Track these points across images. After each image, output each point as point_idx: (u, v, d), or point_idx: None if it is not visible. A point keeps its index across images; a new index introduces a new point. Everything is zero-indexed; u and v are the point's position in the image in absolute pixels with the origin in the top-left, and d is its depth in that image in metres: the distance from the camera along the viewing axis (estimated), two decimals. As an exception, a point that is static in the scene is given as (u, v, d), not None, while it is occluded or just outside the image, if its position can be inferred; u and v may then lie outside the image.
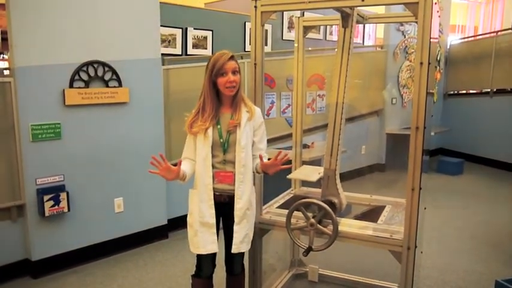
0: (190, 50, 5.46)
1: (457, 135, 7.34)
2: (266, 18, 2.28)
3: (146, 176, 3.69)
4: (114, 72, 3.41)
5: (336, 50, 2.52)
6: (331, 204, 2.34)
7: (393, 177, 5.67)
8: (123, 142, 3.54)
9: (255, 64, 2.30)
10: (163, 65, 3.84)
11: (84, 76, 3.26)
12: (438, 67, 7.29)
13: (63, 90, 3.15)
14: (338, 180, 2.52)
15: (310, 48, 5.54)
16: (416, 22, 1.94)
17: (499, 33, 7.28)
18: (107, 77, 3.38)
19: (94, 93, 3.31)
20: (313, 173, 2.62)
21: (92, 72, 3.30)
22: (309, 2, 2.14)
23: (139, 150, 3.63)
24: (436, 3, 2.10)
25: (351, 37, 2.46)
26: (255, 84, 2.31)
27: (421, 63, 1.93)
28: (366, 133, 6.19)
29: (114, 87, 3.43)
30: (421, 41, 1.94)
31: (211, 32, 5.58)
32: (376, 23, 3.02)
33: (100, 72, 3.35)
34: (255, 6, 2.26)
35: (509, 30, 7.35)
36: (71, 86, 3.19)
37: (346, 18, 2.41)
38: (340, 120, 2.52)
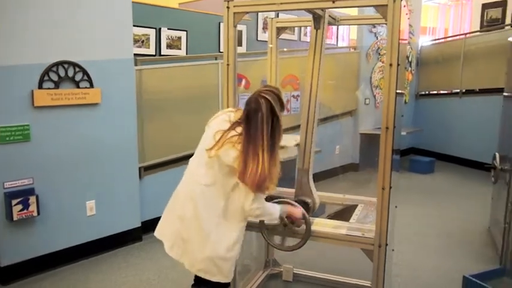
0: (164, 51, 5.42)
1: (428, 134, 7.50)
2: (239, 19, 2.28)
3: (119, 177, 3.69)
4: (85, 72, 3.35)
5: (308, 51, 2.54)
6: (305, 204, 2.37)
7: (367, 177, 5.76)
8: (95, 144, 3.48)
9: (227, 65, 2.30)
10: (136, 65, 3.80)
11: (54, 77, 3.19)
12: (410, 68, 7.45)
13: (32, 91, 3.07)
14: (311, 180, 2.55)
15: (285, 49, 5.57)
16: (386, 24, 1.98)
17: (468, 35, 7.49)
18: (78, 77, 3.32)
19: (64, 94, 3.24)
20: (290, 140, 2.64)
21: (62, 72, 3.23)
22: (281, 4, 2.15)
23: (111, 151, 3.57)
24: (405, 6, 2.15)
25: (322, 38, 2.49)
26: (227, 85, 2.31)
27: (391, 65, 1.96)
28: (340, 133, 6.27)
29: (85, 88, 3.36)
30: (390, 42, 1.98)
31: (185, 32, 5.55)
32: (348, 24, 3.05)
33: (71, 73, 3.28)
34: (228, 7, 2.26)
35: (477, 33, 7.57)
36: (40, 87, 3.12)
37: (318, 19, 2.44)
38: (313, 121, 2.55)
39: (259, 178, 1.81)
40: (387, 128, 1.99)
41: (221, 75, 3.61)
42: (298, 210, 2.16)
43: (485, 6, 8.44)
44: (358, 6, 3.55)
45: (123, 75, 3.62)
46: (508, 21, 7.83)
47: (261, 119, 1.83)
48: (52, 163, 3.24)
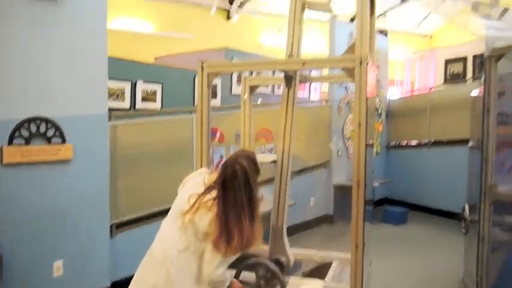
0: (140, 104, 5.45)
1: (401, 185, 7.63)
2: (212, 79, 2.34)
3: (89, 236, 3.57)
4: (57, 128, 3.32)
5: (281, 108, 2.61)
6: (279, 263, 2.33)
7: (341, 229, 5.75)
8: (65, 201, 3.39)
9: (201, 123, 2.33)
10: (110, 120, 3.79)
11: (25, 133, 3.15)
12: (380, 119, 7.69)
13: (1, 148, 3.02)
14: (285, 237, 2.54)
15: (259, 102, 5.69)
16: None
17: (432, 89, 7.85)
18: (50, 133, 3.29)
19: (35, 150, 3.20)
20: (267, 157, 2.71)
21: (33, 128, 3.20)
22: (253, 65, 2.23)
23: (82, 209, 3.48)
24: (371, 66, 2.25)
25: (294, 97, 2.57)
26: (201, 143, 2.33)
27: (359, 124, 2.03)
28: (314, 185, 6.31)
29: (57, 144, 3.32)
30: (358, 102, 2.06)
31: (161, 85, 5.63)
32: (318, 81, 3.19)
33: (42, 129, 3.25)
34: (202, 68, 2.32)
35: (441, 87, 7.96)
36: (10, 143, 3.07)
37: (289, 79, 2.52)
38: (286, 177, 2.57)
39: (246, 243, 1.82)
40: (358, 185, 2.02)
41: (196, 129, 3.65)
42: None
43: (447, 62, 8.95)
44: (326, 67, 3.70)
45: (96, 130, 3.61)
46: (468, 75, 8.27)
47: (238, 187, 1.85)
48: (19, 221, 3.13)
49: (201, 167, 2.39)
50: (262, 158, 2.69)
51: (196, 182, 2.00)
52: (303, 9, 2.36)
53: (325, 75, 3.56)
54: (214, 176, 1.97)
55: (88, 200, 3.53)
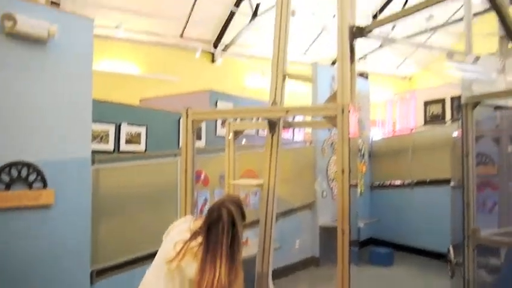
0: (124, 146, 5.42)
1: (386, 225, 7.63)
2: (197, 125, 2.37)
3: (68, 283, 3.45)
4: (39, 173, 3.28)
5: (265, 153, 2.64)
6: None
7: (328, 272, 5.68)
8: (45, 247, 3.30)
9: (185, 169, 2.34)
10: (93, 163, 3.76)
11: (5, 178, 3.10)
12: (363, 160, 7.77)
13: (-20, 194, 2.96)
14: (271, 283, 2.50)
15: (243, 142, 5.72)
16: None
17: (413, 130, 8.03)
18: (31, 178, 3.24)
19: (15, 196, 3.13)
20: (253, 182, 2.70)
21: (14, 173, 3.15)
22: (237, 112, 2.27)
23: (61, 255, 3.38)
24: (353, 111, 2.31)
25: (278, 142, 2.61)
26: (185, 190, 2.33)
27: (343, 171, 2.06)
28: (299, 227, 6.27)
29: (39, 188, 3.27)
30: (341, 150, 2.09)
31: (145, 127, 5.63)
32: (301, 127, 3.26)
33: (24, 173, 3.20)
34: (187, 115, 2.35)
35: (422, 128, 8.15)
36: (-11, 189, 3.01)
37: (273, 125, 2.57)
38: (271, 220, 2.57)
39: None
40: (343, 233, 2.03)
41: (180, 174, 3.64)
42: None
43: (427, 103, 9.22)
44: (309, 114, 3.79)
45: (79, 174, 3.56)
46: (448, 116, 8.51)
47: (222, 230, 1.84)
48: (-5, 270, 3.02)
49: (186, 211, 2.39)
50: (247, 182, 2.69)
51: (182, 228, 1.99)
52: (285, 59, 2.44)
53: (308, 121, 3.63)
54: (200, 222, 1.96)
55: (68, 246, 3.44)
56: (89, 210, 3.61)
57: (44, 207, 3.30)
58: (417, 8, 2.35)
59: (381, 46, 8.51)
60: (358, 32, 2.34)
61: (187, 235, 1.90)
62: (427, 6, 2.27)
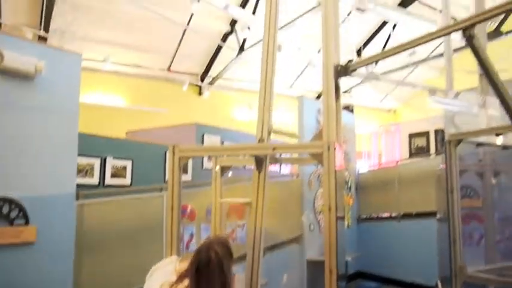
0: (109, 180, 5.36)
1: (373, 258, 7.58)
2: (183, 162, 2.36)
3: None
4: (21, 209, 3.21)
5: (252, 190, 2.63)
6: None
7: (316, 308, 5.59)
8: (27, 285, 3.19)
9: (171, 207, 2.31)
10: (78, 199, 3.70)
11: (-14, 215, 3.03)
12: (349, 193, 7.78)
13: (-41, 232, 2.88)
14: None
15: (229, 175, 5.69)
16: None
17: (399, 162, 8.11)
18: (13, 214, 3.17)
19: (-4, 233, 3.06)
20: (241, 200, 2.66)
21: (-4, 210, 3.08)
22: (224, 150, 2.28)
23: (43, 294, 3.28)
24: (339, 148, 2.33)
25: (265, 178, 2.60)
26: (171, 228, 2.30)
27: (329, 209, 2.06)
28: (287, 261, 6.18)
29: (20, 225, 3.19)
30: (327, 187, 2.10)
31: (131, 161, 5.59)
32: (287, 163, 3.28)
33: (6, 210, 3.13)
34: (173, 152, 2.35)
35: (407, 160, 8.24)
36: (-31, 226, 2.93)
37: (260, 162, 2.57)
38: (258, 256, 2.54)
39: None
40: (331, 272, 2.01)
41: (166, 208, 3.60)
42: None
43: (411, 136, 9.36)
44: (296, 152, 3.83)
45: (63, 210, 3.50)
46: (432, 149, 8.63)
47: (212, 274, 1.80)
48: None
49: (172, 248, 2.35)
50: (235, 200, 2.65)
51: (167, 270, 1.95)
52: (272, 95, 2.47)
53: (295, 158, 3.66)
54: (185, 264, 1.92)
55: (51, 284, 3.33)
56: (72, 247, 3.53)
57: (26, 244, 3.22)
58: (402, 48, 2.42)
59: (361, 82, 8.71)
60: (343, 71, 2.40)
61: (173, 277, 1.87)
62: (411, 47, 2.34)
